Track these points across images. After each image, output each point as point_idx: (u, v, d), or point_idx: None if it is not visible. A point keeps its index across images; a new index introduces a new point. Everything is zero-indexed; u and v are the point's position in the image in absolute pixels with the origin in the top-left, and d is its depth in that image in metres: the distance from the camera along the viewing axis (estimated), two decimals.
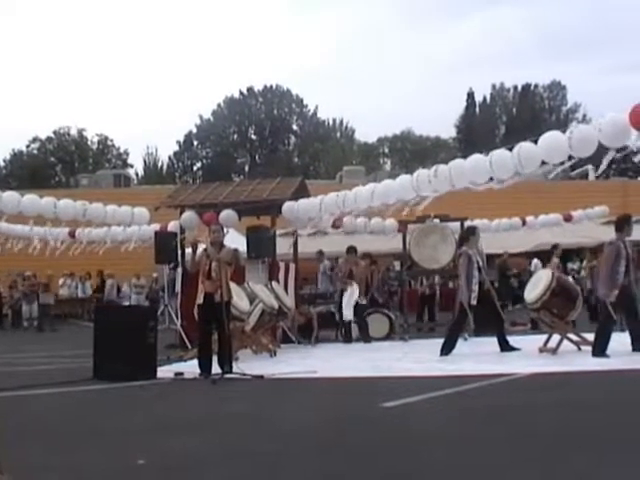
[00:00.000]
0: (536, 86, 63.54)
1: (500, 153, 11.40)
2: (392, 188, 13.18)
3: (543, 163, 11.10)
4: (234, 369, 9.16)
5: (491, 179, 11.81)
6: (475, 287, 11.06)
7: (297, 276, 15.39)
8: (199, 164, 63.59)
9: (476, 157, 11.86)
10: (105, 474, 4.70)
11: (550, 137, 10.83)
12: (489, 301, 11.38)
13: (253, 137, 64.92)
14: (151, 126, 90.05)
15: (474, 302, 11.04)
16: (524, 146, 11.05)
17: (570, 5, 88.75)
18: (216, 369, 9.28)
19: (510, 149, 11.31)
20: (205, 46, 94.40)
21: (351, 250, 15.12)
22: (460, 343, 11.22)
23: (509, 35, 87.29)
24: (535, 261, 23.60)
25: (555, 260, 17.67)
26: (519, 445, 5.09)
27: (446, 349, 10.93)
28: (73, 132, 58.97)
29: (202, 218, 13.89)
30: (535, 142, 10.87)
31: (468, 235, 11.67)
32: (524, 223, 20.53)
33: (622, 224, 10.28)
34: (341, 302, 14.39)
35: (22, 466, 4.96)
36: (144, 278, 24.62)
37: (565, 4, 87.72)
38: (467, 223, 14.89)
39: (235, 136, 64.36)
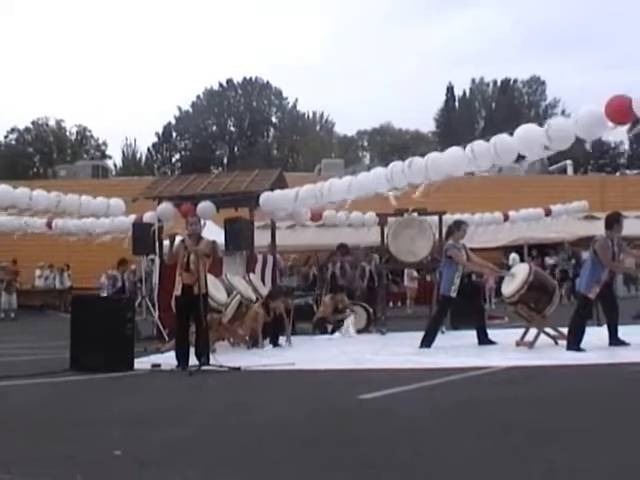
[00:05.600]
0: (515, 81, 63.97)
1: (480, 143, 11.48)
2: (368, 180, 13.20)
3: (519, 156, 11.19)
4: (211, 361, 9.12)
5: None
6: (457, 280, 11.11)
7: (275, 268, 15.39)
8: (178, 156, 63.36)
9: (453, 149, 11.92)
10: (82, 465, 4.66)
11: (526, 130, 10.90)
12: (469, 294, 11.47)
13: (232, 129, 64.74)
14: (130, 117, 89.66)
15: (454, 295, 11.11)
16: (500, 138, 11.11)
17: (551, 2, 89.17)
18: (193, 361, 9.26)
19: (487, 142, 11.38)
20: (185, 38, 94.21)
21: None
22: (437, 336, 11.26)
23: (489, 30, 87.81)
24: (513, 255, 23.75)
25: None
26: (494, 438, 5.11)
27: (426, 341, 10.97)
28: (51, 123, 58.64)
29: (179, 210, 13.83)
30: (511, 135, 10.95)
31: (453, 229, 11.70)
32: (506, 217, 20.60)
33: (612, 222, 10.14)
34: None
35: None
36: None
37: (546, 1, 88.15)
38: (446, 217, 14.95)
39: (214, 128, 64.16)
